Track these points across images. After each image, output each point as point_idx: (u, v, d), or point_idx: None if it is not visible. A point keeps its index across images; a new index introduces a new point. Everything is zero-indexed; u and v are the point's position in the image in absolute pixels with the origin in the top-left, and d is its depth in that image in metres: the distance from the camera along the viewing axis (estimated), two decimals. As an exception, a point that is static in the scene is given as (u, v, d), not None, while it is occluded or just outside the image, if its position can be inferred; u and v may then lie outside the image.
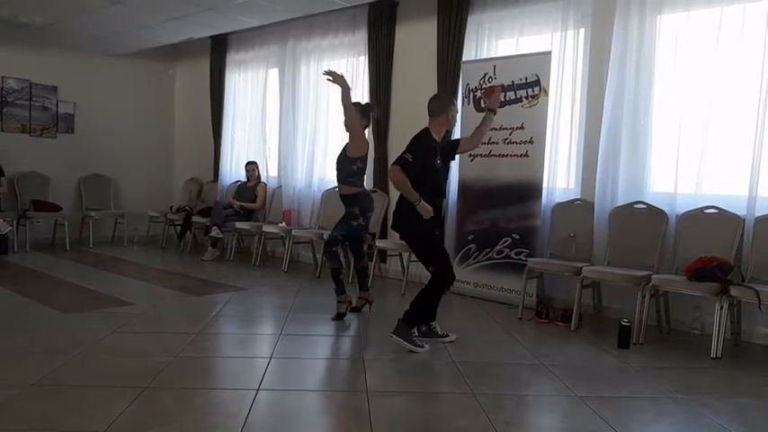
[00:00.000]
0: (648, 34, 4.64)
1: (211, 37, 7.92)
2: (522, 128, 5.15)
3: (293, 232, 6.62)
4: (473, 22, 5.63)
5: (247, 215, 7.39)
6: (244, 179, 7.69)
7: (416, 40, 6.11)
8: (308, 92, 7.05)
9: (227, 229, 7.19)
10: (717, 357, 3.80)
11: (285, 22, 6.89)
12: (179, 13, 6.28)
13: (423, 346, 3.78)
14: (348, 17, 6.53)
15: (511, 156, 5.22)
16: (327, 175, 6.81)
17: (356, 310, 4.71)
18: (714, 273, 3.91)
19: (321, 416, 2.92)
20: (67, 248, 7.64)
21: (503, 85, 5.21)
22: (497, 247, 5.28)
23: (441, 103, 3.99)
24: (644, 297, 4.15)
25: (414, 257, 4.60)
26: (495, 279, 5.30)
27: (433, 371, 3.54)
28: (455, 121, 4.10)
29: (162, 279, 5.96)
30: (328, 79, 4.37)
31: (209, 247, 7.20)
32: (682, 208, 4.49)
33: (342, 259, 4.78)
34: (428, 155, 3.82)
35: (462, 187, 5.55)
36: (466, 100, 5.49)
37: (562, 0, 5.06)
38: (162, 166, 9.16)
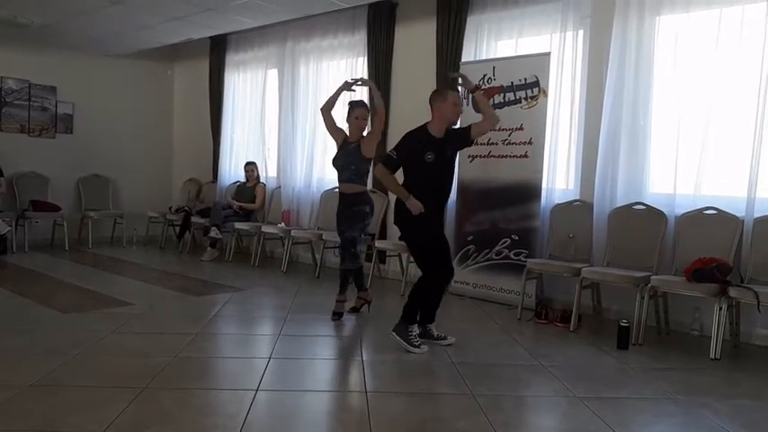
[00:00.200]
0: (647, 35, 4.64)
1: (211, 37, 7.91)
2: (521, 129, 5.15)
3: (292, 233, 6.62)
4: (472, 22, 5.63)
5: (246, 216, 7.39)
6: (243, 179, 7.68)
7: (416, 41, 6.10)
8: (308, 92, 7.05)
9: (227, 229, 7.18)
10: (716, 358, 3.80)
11: (284, 23, 6.90)
12: (178, 13, 6.28)
13: (420, 347, 3.78)
14: (347, 18, 6.53)
15: (510, 156, 5.22)
16: (326, 176, 6.80)
17: (355, 310, 4.71)
18: (713, 274, 3.91)
19: (320, 416, 2.91)
20: (66, 249, 7.63)
21: (502, 86, 5.22)
22: (496, 248, 5.28)
23: (440, 90, 3.96)
24: (643, 298, 4.16)
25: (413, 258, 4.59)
26: (494, 280, 5.30)
27: (433, 371, 3.54)
28: (458, 108, 3.88)
29: (161, 279, 5.95)
30: (357, 85, 4.54)
31: (209, 248, 7.20)
32: (681, 209, 4.50)
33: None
34: (414, 150, 3.78)
35: (461, 188, 5.54)
36: (465, 101, 5.48)
37: (561, 1, 5.06)
38: (161, 166, 9.15)
